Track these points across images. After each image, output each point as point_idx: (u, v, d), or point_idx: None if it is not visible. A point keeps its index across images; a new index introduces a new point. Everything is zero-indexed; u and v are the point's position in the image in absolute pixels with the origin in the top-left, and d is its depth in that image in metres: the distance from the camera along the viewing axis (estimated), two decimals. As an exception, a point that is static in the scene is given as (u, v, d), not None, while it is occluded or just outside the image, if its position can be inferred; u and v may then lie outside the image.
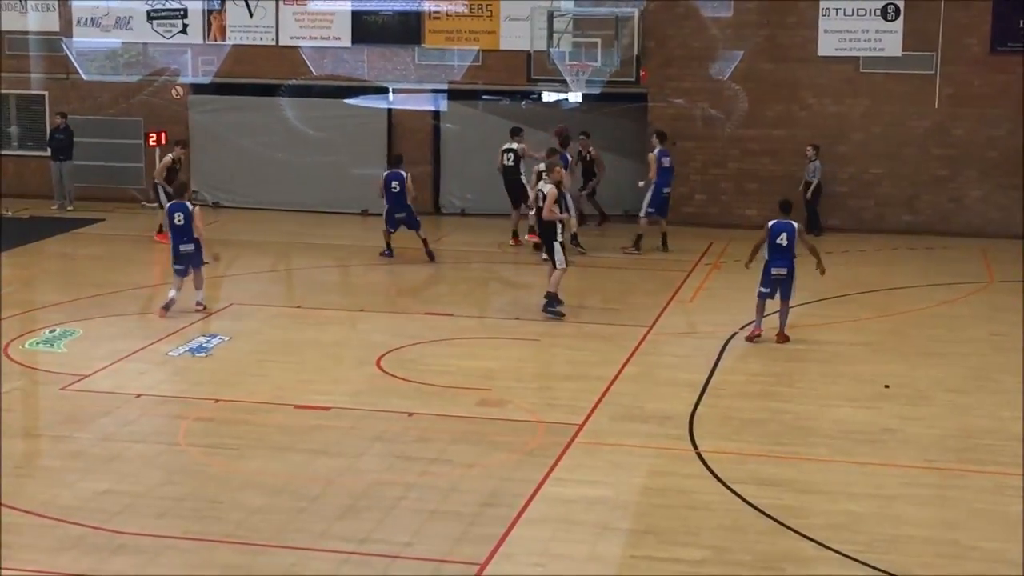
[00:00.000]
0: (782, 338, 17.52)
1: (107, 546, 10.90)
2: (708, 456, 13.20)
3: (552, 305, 18.45)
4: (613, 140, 26.13)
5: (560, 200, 18.92)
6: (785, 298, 17.55)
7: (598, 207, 25.62)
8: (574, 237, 21.64)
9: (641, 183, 23.38)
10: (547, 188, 18.61)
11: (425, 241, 22.40)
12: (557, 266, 18.44)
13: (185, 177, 27.00)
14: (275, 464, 12.99)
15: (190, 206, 19.01)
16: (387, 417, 14.11)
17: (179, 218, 18.73)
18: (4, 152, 28.04)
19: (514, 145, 23.52)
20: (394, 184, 22.03)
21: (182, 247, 18.71)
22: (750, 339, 17.47)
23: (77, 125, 27.33)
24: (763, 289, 17.55)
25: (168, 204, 19.76)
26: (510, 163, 23.53)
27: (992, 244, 23.89)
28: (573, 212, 21.56)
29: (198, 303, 18.83)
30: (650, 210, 23.06)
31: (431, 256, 22.34)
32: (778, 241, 17.38)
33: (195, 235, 18.75)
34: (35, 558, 10.67)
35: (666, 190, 23.19)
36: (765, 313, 17.62)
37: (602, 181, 25.09)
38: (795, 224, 17.73)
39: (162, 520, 11.47)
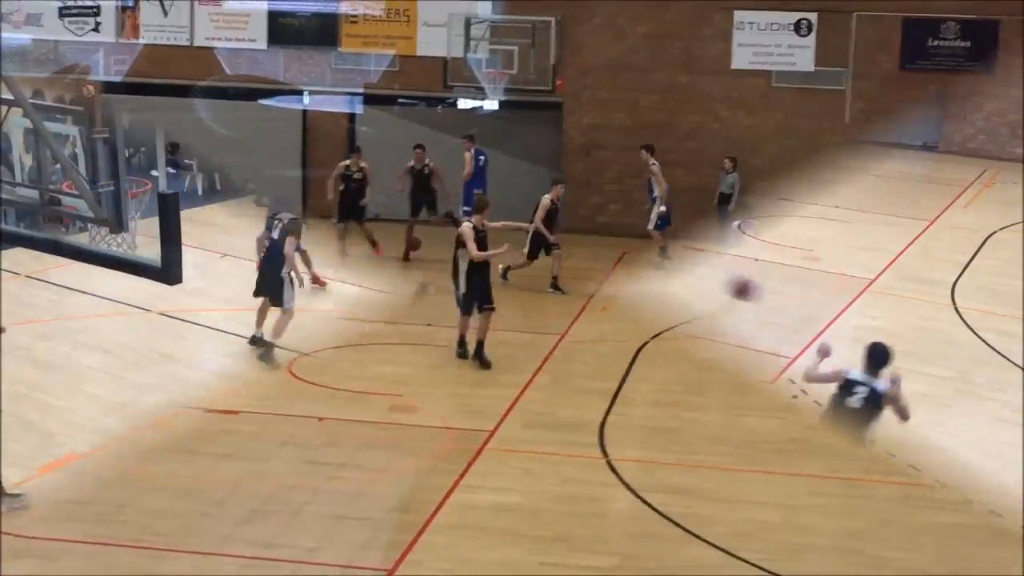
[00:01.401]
0: None
1: (9, 550, 10.71)
2: (618, 464, 13.24)
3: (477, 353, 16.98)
4: (529, 148, 26.19)
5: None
6: None
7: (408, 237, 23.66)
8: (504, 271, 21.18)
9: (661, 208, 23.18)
10: (465, 227, 16.99)
11: None
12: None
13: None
14: (182, 467, 12.84)
15: None
16: (296, 422, 14.01)
17: None
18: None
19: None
20: None
21: None
22: None
23: (-16, 122, 26.89)
24: None
25: None
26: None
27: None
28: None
29: None
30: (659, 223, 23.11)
31: None
32: None
33: None
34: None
35: None
36: None
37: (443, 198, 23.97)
38: None
39: (65, 524, 11.30)
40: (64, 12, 26.97)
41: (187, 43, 26.80)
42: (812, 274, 19.16)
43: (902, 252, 19.62)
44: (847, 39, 24.96)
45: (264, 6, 26.48)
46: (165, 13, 26.73)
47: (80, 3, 26.91)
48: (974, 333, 15.55)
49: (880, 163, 24.93)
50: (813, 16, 24.98)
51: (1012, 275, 17.73)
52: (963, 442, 12.59)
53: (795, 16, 25.04)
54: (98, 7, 26.91)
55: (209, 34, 26.76)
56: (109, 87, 27.16)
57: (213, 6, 26.64)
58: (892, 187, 24.60)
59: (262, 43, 26.62)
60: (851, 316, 16.28)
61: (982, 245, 19.97)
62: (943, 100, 25.62)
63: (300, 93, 26.88)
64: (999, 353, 14.79)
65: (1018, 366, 14.29)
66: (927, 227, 21.16)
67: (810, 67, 25.18)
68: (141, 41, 26.91)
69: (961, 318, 16.19)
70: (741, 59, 25.37)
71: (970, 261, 19.11)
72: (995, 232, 20.62)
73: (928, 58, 24.86)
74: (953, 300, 16.99)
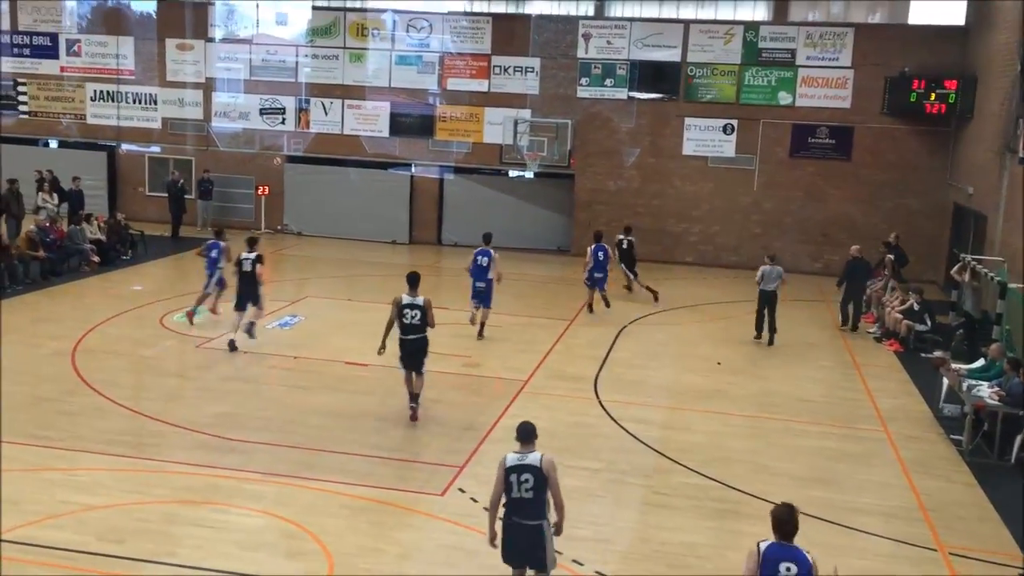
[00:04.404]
0: None
1: (221, 448, 10.84)
2: (605, 403, 13.24)
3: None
4: (552, 202, 26.19)
5: None
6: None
7: None
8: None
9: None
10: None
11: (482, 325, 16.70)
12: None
13: (280, 215, 26.98)
14: (330, 399, 12.93)
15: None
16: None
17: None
18: None
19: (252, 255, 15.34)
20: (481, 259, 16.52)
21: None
22: None
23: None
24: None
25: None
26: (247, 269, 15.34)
27: (787, 276, 23.90)
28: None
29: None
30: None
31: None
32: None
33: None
34: (176, 454, 10.59)
35: None
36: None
37: None
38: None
39: (258, 432, 11.41)
40: (263, 111, 27.16)
41: (339, 132, 26.92)
42: (473, 380, 14.03)
43: (549, 351, 15.77)
44: (756, 137, 24.83)
45: (387, 107, 26.52)
46: (325, 112, 26.86)
47: (273, 105, 27.07)
48: (617, 423, 12.29)
49: (522, 268, 21.04)
50: (734, 122, 24.86)
51: (642, 365, 15.24)
52: (617, 530, 9.28)
53: (723, 122, 24.92)
54: (284, 107, 27.05)
55: (353, 126, 26.87)
56: (291, 159, 27.37)
57: (356, 109, 26.71)
58: (535, 289, 20.99)
59: (386, 132, 26.70)
60: (509, 419, 12.04)
61: (615, 339, 16.84)
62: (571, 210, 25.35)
63: (409, 165, 26.89)
64: (639, 440, 11.71)
65: (655, 451, 11.38)
66: (568, 326, 17.67)
67: (732, 154, 25.05)
68: (311, 130, 27.04)
69: (604, 409, 12.83)
70: (689, 148, 25.25)
71: (607, 355, 15.75)
72: (625, 326, 17.72)
73: (808, 150, 24.68)
74: (596, 393, 13.60)
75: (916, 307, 17.46)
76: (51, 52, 27.76)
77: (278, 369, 14.22)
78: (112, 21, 27.46)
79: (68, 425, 11.28)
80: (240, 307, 15.17)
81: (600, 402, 13.26)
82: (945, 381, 13.56)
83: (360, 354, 15.05)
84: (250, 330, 15.21)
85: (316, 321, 17.32)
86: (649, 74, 25.10)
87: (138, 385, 13.33)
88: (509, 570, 8.02)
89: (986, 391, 12.30)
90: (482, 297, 16.46)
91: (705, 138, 25.09)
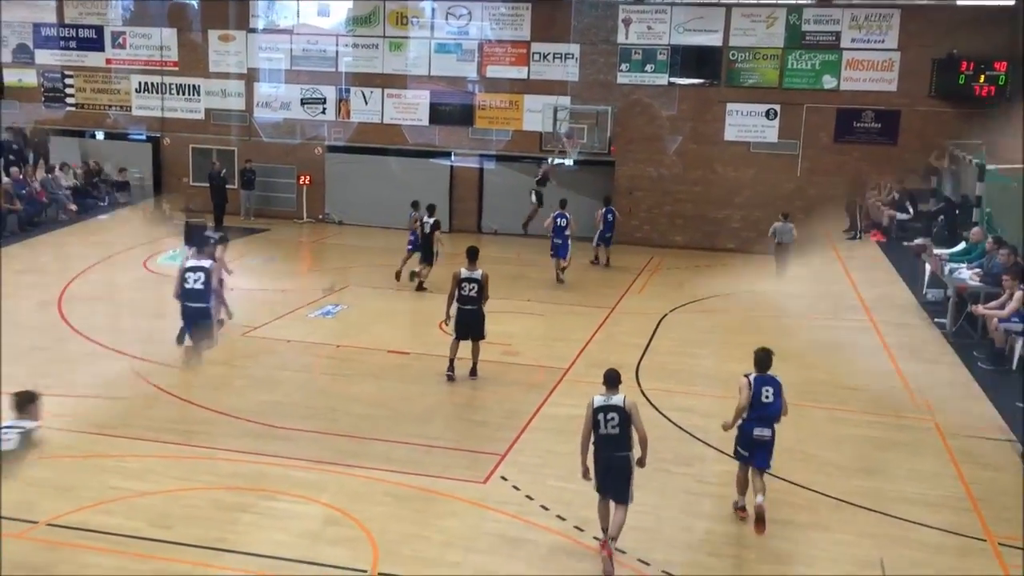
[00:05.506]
0: None
1: (267, 435, 10.99)
2: (647, 391, 13.18)
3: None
4: (591, 189, 26.07)
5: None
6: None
7: None
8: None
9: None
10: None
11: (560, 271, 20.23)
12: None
13: (321, 204, 27.18)
14: (373, 387, 13.05)
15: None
16: (445, 360, 13.76)
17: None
18: None
19: (431, 219, 18.70)
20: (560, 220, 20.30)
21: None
22: None
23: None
24: None
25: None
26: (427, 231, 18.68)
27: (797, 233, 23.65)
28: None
29: None
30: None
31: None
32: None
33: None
34: (224, 441, 10.77)
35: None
36: None
37: None
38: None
39: (303, 420, 11.56)
40: (304, 101, 27.35)
41: (380, 121, 27.03)
42: (513, 368, 13.95)
43: (590, 340, 15.72)
44: (799, 121, 24.53)
45: (427, 95, 26.58)
46: (366, 101, 26.99)
47: (314, 95, 27.25)
48: (659, 412, 12.14)
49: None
50: (777, 107, 24.57)
51: (684, 353, 15.18)
52: (660, 519, 9.31)
53: (766, 107, 24.65)
54: (325, 97, 27.22)
55: (393, 115, 26.97)
56: (331, 148, 27.54)
57: (396, 97, 26.81)
58: (576, 277, 20.52)
59: (426, 121, 26.76)
60: (550, 407, 12.30)
61: (657, 327, 16.74)
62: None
63: (449, 154, 26.93)
64: (682, 429, 11.65)
65: (699, 439, 11.34)
66: (609, 314, 17.60)
67: (775, 139, 24.78)
68: (352, 120, 27.18)
69: (647, 398, 12.59)
70: (731, 133, 25.02)
71: (649, 343, 15.70)
72: (666, 314, 17.62)
73: (853, 134, 24.34)
74: (638, 381, 13.36)
75: (896, 196, 17.34)
76: (97, 45, 28.18)
77: (322, 358, 14.37)
78: (156, 13, 27.81)
79: (119, 413, 11.51)
80: (423, 261, 18.58)
81: (642, 390, 13.18)
82: (927, 267, 13.61)
83: (402, 342, 15.23)
84: (412, 277, 18.61)
85: (358, 310, 17.46)
86: (690, 59, 24.89)
87: (186, 373, 13.54)
88: (551, 562, 8.05)
89: (967, 273, 12.47)
90: (559, 249, 19.98)
91: (747, 123, 24.84)
